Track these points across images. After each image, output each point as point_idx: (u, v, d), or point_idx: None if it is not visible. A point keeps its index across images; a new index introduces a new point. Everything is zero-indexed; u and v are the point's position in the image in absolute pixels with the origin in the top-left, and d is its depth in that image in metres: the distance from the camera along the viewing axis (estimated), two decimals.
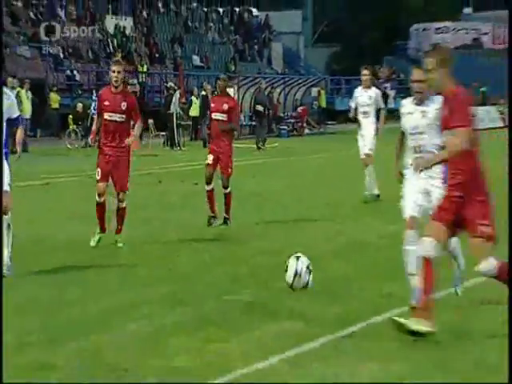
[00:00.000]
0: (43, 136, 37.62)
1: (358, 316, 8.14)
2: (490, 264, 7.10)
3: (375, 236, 12.99)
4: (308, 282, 7.83)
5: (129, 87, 40.93)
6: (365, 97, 17.37)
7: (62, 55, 41.73)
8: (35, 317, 8.31)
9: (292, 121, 46.19)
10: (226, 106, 14.05)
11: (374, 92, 17.67)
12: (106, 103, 12.18)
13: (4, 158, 10.11)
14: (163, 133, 36.51)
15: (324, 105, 49.31)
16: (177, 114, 34.71)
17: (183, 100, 36.41)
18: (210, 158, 14.01)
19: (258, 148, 34.85)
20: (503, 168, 11.42)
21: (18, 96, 32.35)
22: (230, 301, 8.84)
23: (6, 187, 9.97)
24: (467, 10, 68.94)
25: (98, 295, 9.22)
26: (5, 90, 10.26)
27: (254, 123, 40.75)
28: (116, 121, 12.07)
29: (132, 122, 12.40)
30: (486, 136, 45.12)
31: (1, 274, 6.30)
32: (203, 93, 35.92)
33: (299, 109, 46.75)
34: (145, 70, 44.23)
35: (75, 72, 41.12)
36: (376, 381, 6.41)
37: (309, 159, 29.29)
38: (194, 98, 36.85)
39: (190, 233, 13.29)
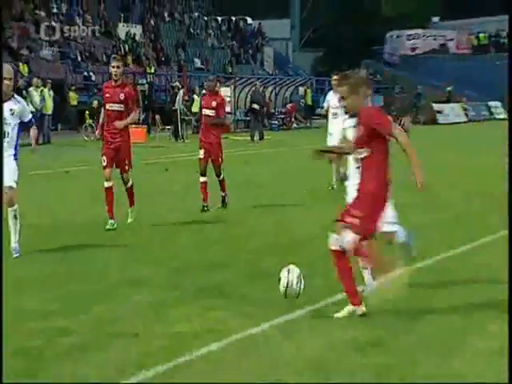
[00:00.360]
0: (63, 129, 37.56)
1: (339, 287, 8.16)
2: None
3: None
4: (299, 291, 7.82)
5: (138, 86, 41.11)
6: (335, 100, 17.20)
7: (79, 58, 41.62)
8: (53, 289, 8.34)
9: (282, 116, 46.11)
10: (214, 103, 14.00)
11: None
12: (107, 95, 12.13)
13: (13, 158, 10.00)
14: (169, 127, 36.52)
15: (310, 102, 49.21)
16: (181, 110, 34.67)
17: (186, 98, 36.32)
18: (202, 153, 13.99)
19: (252, 140, 34.90)
20: (503, 166, 11.27)
21: (41, 94, 32.39)
22: (225, 275, 8.86)
23: (12, 183, 9.90)
24: (435, 19, 68.82)
25: (107, 271, 9.23)
26: (16, 96, 10.19)
27: (248, 118, 40.73)
28: (116, 110, 11.98)
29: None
30: (452, 129, 44.94)
31: (1, 271, 6.12)
32: (204, 91, 35.79)
33: (288, 106, 46.67)
34: (152, 71, 44.10)
35: (91, 73, 41.02)
36: (358, 344, 6.44)
37: (297, 150, 29.26)
38: (195, 96, 36.74)
39: (191, 216, 13.27)
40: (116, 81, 12.11)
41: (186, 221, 12.83)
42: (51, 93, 33.21)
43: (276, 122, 44.26)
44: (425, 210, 13.41)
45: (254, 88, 40.42)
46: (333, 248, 7.16)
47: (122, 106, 11.97)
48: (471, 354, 6.24)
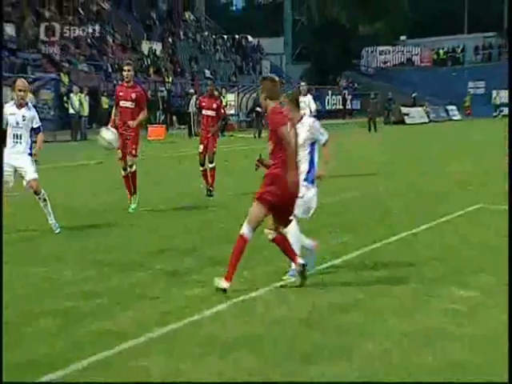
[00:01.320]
0: (97, 128, 37.44)
1: (324, 258, 8.12)
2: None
3: (330, 201, 12.94)
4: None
5: (158, 93, 40.99)
6: (301, 103, 17.08)
7: (110, 70, 41.46)
8: (84, 260, 8.28)
9: None
10: (214, 105, 13.71)
11: (308, 99, 17.20)
12: (121, 94, 11.80)
13: (28, 154, 9.83)
14: (183, 126, 36.46)
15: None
16: (193, 112, 34.59)
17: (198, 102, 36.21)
18: (201, 147, 13.71)
19: (255, 137, 34.73)
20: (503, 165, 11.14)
21: (79, 99, 32.32)
22: (229, 248, 8.83)
23: (35, 175, 9.80)
24: (403, 37, 68.66)
25: (130, 245, 9.18)
26: (29, 105, 9.99)
27: (249, 119, 40.61)
28: (127, 107, 11.66)
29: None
30: (416, 128, 44.90)
31: (1, 269, 6.00)
32: (200, 95, 35.77)
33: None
34: (170, 80, 43.96)
35: (120, 82, 40.77)
36: (341, 305, 6.42)
37: None
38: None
39: (200, 200, 13.20)
40: (128, 82, 11.84)
41: (196, 204, 12.76)
42: (87, 98, 33.12)
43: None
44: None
45: (256, 94, 40.33)
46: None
47: (133, 103, 11.67)
48: (433, 311, 6.23)
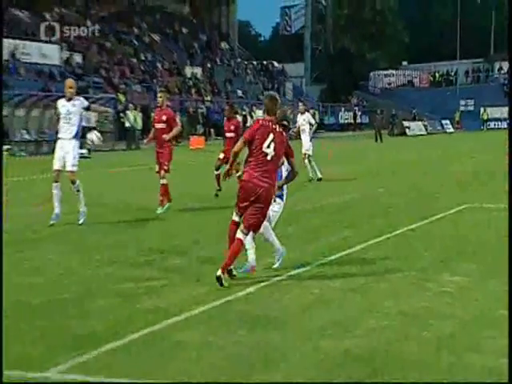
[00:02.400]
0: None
1: (333, 251, 8.11)
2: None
3: (329, 202, 12.87)
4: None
5: (199, 110, 41.08)
6: (301, 120, 16.89)
7: (159, 90, 41.64)
8: (128, 249, 8.29)
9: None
10: (232, 127, 13.18)
11: (306, 116, 17.11)
12: (155, 117, 11.62)
13: (76, 146, 9.88)
14: (220, 137, 36.46)
15: (317, 120, 48.83)
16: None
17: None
18: (222, 155, 13.18)
19: None
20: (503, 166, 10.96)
21: (134, 115, 32.51)
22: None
23: (72, 168, 9.79)
24: (404, 63, 68.21)
25: (171, 236, 9.20)
26: (76, 97, 10.07)
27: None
28: (160, 128, 11.38)
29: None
30: (416, 139, 44.54)
31: (1, 269, 6.05)
32: (243, 113, 35.77)
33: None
34: (208, 99, 44.08)
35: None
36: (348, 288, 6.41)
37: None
38: (237, 116, 36.55)
39: (220, 202, 13.06)
40: (160, 106, 11.59)
41: (210, 206, 12.48)
42: (140, 114, 33.30)
43: (293, 133, 43.87)
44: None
45: (284, 110, 40.26)
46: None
47: (164, 124, 11.34)
48: (427, 294, 6.21)
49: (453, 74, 64.47)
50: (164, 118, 11.41)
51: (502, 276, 6.33)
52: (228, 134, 13.31)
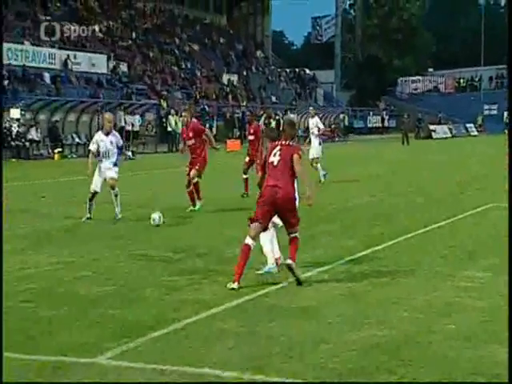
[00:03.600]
0: None
1: (365, 247, 8.07)
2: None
3: (353, 203, 12.80)
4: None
5: (235, 115, 41.18)
6: (311, 123, 16.69)
7: (198, 96, 41.90)
8: (172, 246, 8.41)
9: (329, 133, 45.60)
10: (252, 130, 13.81)
11: (315, 120, 16.67)
12: (184, 135, 11.47)
13: (114, 165, 10.19)
14: None
15: (347, 124, 48.67)
16: (262, 129, 34.61)
17: (266, 121, 36.21)
18: (247, 159, 13.16)
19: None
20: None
21: (175, 120, 32.72)
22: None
23: (114, 175, 10.18)
24: (430, 69, 67.39)
25: (207, 234, 9.27)
26: (113, 131, 10.38)
27: (306, 135, 40.32)
28: (190, 145, 11.20)
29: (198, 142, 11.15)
30: (441, 142, 43.88)
31: (1, 269, 5.94)
32: (277, 117, 35.65)
33: (332, 126, 46.09)
34: (244, 104, 44.16)
35: (205, 106, 41.21)
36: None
37: (339, 153, 29.05)
38: (272, 120, 36.51)
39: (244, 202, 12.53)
40: (186, 125, 11.37)
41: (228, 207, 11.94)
42: (181, 119, 33.48)
43: (325, 137, 43.69)
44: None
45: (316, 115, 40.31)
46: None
47: (193, 140, 11.09)
48: (452, 288, 6.15)
49: (477, 79, 63.51)
50: (191, 134, 11.17)
51: None
52: (249, 137, 13.88)
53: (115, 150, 10.25)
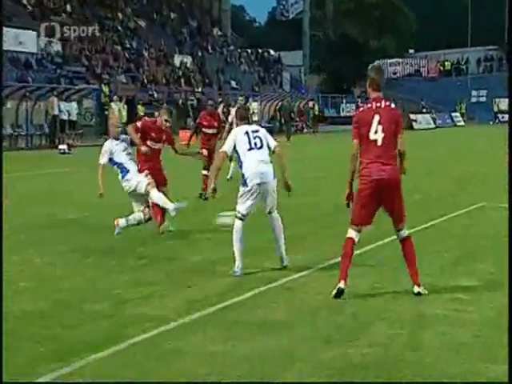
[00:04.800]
0: None
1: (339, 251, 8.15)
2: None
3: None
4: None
5: (189, 102, 41.09)
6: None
7: (146, 81, 41.65)
8: (112, 250, 8.42)
9: (297, 123, 45.89)
10: (216, 124, 13.52)
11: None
12: (153, 134, 10.05)
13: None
14: None
15: (317, 113, 49.00)
16: (220, 118, 34.65)
17: (224, 110, 36.29)
18: (206, 152, 13.03)
19: (288, 140, 33.90)
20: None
21: (119, 108, 32.52)
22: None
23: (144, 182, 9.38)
24: (411, 51, 68.30)
25: (166, 239, 9.27)
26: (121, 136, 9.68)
27: (271, 125, 40.63)
28: (156, 149, 9.92)
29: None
30: (423, 133, 44.48)
31: (1, 269, 5.98)
32: (237, 105, 35.68)
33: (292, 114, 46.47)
34: (199, 90, 44.10)
35: (154, 92, 41.01)
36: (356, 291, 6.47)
37: (307, 147, 29.23)
38: (231, 108, 36.59)
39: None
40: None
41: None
42: (125, 106, 33.33)
43: (293, 127, 44.01)
44: None
45: (285, 103, 40.80)
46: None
47: (161, 144, 10.01)
48: (440, 299, 6.25)
49: (463, 62, 64.63)
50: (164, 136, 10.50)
51: None
52: (209, 131, 13.47)
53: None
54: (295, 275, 7.11)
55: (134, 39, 45.75)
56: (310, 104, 49.50)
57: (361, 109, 6.55)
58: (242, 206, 7.22)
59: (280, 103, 42.73)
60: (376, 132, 6.22)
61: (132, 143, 9.69)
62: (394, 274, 7.07)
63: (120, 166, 9.38)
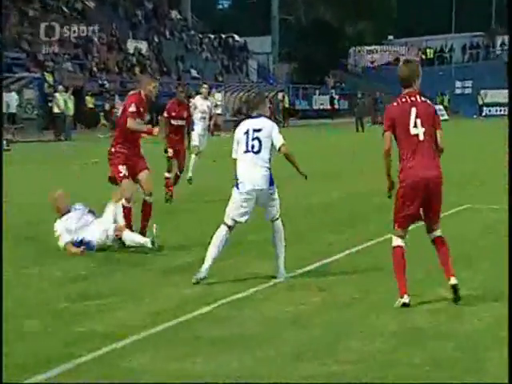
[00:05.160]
0: (81, 128, 37.36)
1: (312, 258, 8.19)
2: None
3: (317, 201, 12.97)
4: None
5: None
6: (204, 106, 15.54)
7: (95, 69, 41.39)
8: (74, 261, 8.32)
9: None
10: (185, 114, 13.35)
11: (209, 102, 16.31)
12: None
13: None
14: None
15: (287, 105, 49.20)
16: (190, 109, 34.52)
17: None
18: (171, 151, 13.13)
19: None
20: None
21: (64, 98, 32.27)
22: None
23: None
24: (390, 37, 68.92)
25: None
26: None
27: (236, 119, 40.70)
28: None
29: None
30: None
31: (1, 269, 5.92)
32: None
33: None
34: (157, 79, 43.93)
35: (105, 81, 40.78)
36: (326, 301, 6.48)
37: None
38: (192, 99, 36.50)
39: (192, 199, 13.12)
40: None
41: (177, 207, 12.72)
42: (72, 97, 33.09)
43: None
44: None
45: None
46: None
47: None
48: (420, 310, 6.31)
49: (447, 50, 65.34)
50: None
51: (504, 286, 6.45)
52: (177, 122, 13.34)
53: None
54: (263, 285, 7.12)
55: (82, 22, 45.39)
56: (280, 96, 49.70)
57: (394, 103, 6.68)
58: (235, 212, 7.23)
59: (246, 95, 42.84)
60: (415, 126, 6.39)
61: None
62: (372, 283, 7.11)
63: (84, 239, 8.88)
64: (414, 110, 6.42)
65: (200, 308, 6.36)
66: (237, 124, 7.73)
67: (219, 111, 41.14)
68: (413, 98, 6.51)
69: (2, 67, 26.54)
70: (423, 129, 6.37)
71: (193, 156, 14.76)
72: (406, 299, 6.31)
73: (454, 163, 19.36)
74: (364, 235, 9.50)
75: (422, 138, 6.35)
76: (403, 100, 6.54)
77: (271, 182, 7.32)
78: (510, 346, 4.60)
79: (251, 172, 7.21)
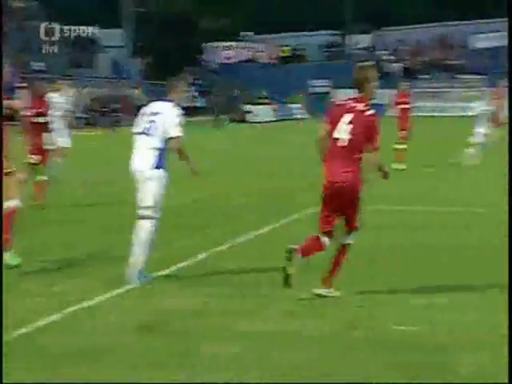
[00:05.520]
0: None
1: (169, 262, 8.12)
2: None
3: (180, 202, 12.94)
4: None
5: None
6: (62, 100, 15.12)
7: None
8: None
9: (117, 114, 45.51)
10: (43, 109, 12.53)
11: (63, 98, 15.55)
12: None
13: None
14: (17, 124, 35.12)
15: (145, 102, 48.70)
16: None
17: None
18: (36, 157, 12.32)
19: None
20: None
21: None
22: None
23: None
24: (250, 33, 69.25)
25: None
26: None
27: (88, 116, 40.03)
28: None
29: None
30: (260, 127, 45.47)
31: (1, 270, 5.66)
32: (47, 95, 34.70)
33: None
34: None
35: None
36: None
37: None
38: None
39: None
40: None
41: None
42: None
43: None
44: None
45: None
46: None
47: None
48: (276, 313, 6.35)
49: (304, 48, 66.61)
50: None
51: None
52: (39, 119, 12.58)
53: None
54: (106, 294, 6.96)
55: None
56: (136, 93, 49.22)
57: (339, 102, 6.91)
58: None
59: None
60: (341, 131, 6.52)
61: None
62: (233, 288, 7.12)
63: None
64: (347, 116, 6.55)
65: (45, 319, 6.16)
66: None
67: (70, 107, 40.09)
68: (354, 105, 6.62)
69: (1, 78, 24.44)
70: (350, 136, 6.48)
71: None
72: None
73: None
74: (219, 237, 9.51)
75: (342, 144, 6.50)
76: (344, 103, 6.72)
77: (153, 165, 7.24)
78: (510, 346, 4.83)
79: (136, 153, 7.35)
